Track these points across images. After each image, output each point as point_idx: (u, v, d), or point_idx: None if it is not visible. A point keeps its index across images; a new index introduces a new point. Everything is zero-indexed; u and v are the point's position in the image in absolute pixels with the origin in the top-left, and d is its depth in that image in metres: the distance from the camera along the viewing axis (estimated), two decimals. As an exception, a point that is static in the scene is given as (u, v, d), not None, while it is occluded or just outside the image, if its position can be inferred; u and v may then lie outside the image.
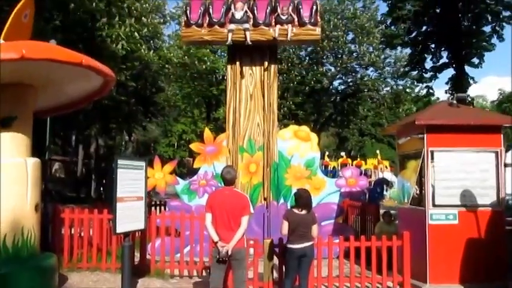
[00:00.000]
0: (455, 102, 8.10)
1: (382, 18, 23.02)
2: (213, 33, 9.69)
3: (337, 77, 38.00)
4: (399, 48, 25.89)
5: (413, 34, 21.38)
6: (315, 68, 36.49)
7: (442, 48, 21.10)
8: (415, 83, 28.82)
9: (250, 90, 10.37)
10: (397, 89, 39.10)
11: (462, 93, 19.82)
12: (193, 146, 10.78)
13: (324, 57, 37.07)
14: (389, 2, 20.83)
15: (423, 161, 7.63)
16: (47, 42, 6.84)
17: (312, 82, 35.62)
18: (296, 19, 9.59)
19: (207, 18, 9.65)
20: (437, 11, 20.86)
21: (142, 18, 23.20)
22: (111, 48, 18.57)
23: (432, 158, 7.60)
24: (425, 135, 7.56)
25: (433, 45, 21.26)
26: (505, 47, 56.77)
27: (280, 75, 31.25)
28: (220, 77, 33.68)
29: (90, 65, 6.20)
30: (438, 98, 35.21)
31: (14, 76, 6.33)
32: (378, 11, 34.26)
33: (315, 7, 9.56)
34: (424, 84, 23.02)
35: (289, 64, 35.63)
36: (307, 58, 37.78)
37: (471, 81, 20.98)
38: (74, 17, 17.45)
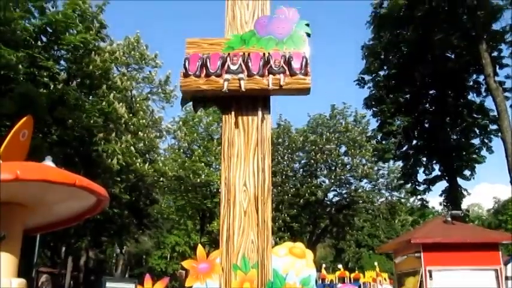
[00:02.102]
0: (449, 219, 8.08)
1: (373, 134, 23.62)
2: (210, 82, 9.95)
3: (332, 189, 38.16)
4: (391, 161, 26.28)
5: (404, 148, 21.83)
6: (309, 180, 36.77)
7: (434, 161, 21.45)
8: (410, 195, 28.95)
9: (244, 206, 10.31)
10: (392, 200, 39.16)
11: (456, 205, 19.88)
12: (186, 264, 10.48)
13: (318, 169, 37.51)
14: (379, 118, 21.49)
15: (422, 281, 7.44)
16: (41, 163, 6.89)
17: (307, 194, 35.70)
18: (287, 70, 9.97)
19: (205, 70, 10.04)
20: (426, 125, 21.49)
21: (139, 132, 23.75)
22: (107, 163, 18.81)
23: (431, 277, 7.43)
24: (421, 253, 7.45)
25: (424, 159, 21.64)
26: (495, 156, 57.78)
27: (274, 188, 31.38)
28: (215, 190, 33.77)
29: (84, 185, 6.18)
30: (433, 208, 35.30)
31: (6, 196, 6.29)
32: (369, 125, 35.24)
33: (305, 60, 9.99)
34: (419, 197, 23.09)
35: (284, 177, 35.94)
36: (301, 170, 38.21)
37: (465, 193, 21.11)
38: (71, 132, 17.83)
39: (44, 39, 17.94)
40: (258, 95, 10.17)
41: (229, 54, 10.11)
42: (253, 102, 10.42)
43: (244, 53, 10.09)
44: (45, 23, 17.30)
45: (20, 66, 15.64)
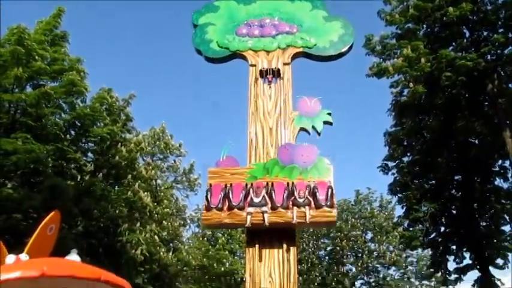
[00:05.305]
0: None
1: (399, 221, 23.18)
2: (233, 216, 9.60)
3: (359, 277, 37.15)
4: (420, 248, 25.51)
5: (432, 235, 21.23)
6: (336, 268, 35.95)
7: (464, 249, 20.74)
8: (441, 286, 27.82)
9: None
10: (422, 289, 37.81)
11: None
12: None
13: (344, 257, 36.74)
14: (405, 204, 21.17)
15: None
16: (67, 257, 6.93)
17: (333, 283, 34.81)
18: (312, 202, 9.60)
19: (227, 203, 9.73)
20: (454, 212, 21.04)
21: (163, 221, 23.86)
22: (131, 253, 18.82)
23: None
24: None
25: (454, 247, 20.93)
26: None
27: (299, 277, 30.68)
28: (239, 279, 33.13)
29: (109, 280, 6.19)
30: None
31: (31, 291, 6.29)
32: (394, 211, 34.79)
33: (330, 191, 9.60)
34: (450, 287, 22.15)
35: (309, 264, 35.22)
36: (327, 258, 37.43)
37: (498, 283, 20.21)
38: (96, 223, 18.00)
39: (73, 132, 18.61)
40: (282, 227, 9.82)
41: (252, 184, 9.84)
42: (277, 234, 10.05)
43: (267, 183, 9.82)
44: (74, 117, 18.01)
45: (49, 159, 16.13)
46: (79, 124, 18.42)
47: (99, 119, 18.86)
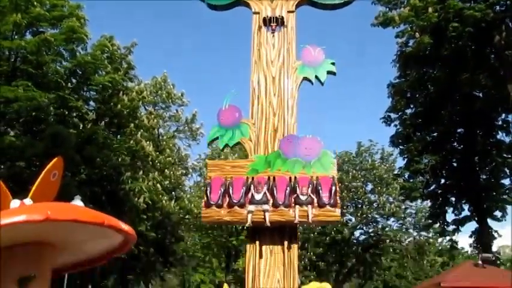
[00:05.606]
0: (480, 262, 7.88)
1: (400, 172, 23.25)
2: (233, 214, 9.45)
3: (358, 227, 37.65)
4: (419, 200, 25.72)
5: (432, 187, 21.38)
6: (335, 218, 36.40)
7: (463, 201, 20.94)
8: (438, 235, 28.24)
9: (270, 246, 10.15)
10: (420, 240, 38.32)
11: (487, 247, 19.28)
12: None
13: (344, 207, 37.09)
14: (406, 156, 21.22)
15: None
16: (71, 202, 7.01)
17: (333, 232, 35.27)
18: (315, 200, 9.34)
19: (227, 199, 9.49)
20: (455, 165, 21.10)
21: (166, 170, 24.00)
22: (134, 201, 19.03)
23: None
24: (452, 297, 7.26)
25: (453, 198, 21.13)
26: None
27: (300, 226, 31.14)
28: (240, 228, 33.58)
29: (112, 224, 6.21)
30: (463, 248, 34.39)
31: (36, 235, 6.37)
32: (395, 163, 34.87)
33: (333, 188, 9.32)
34: (448, 238, 22.48)
35: (309, 214, 35.64)
36: (327, 208, 37.82)
37: (495, 235, 20.50)
38: (99, 171, 18.13)
39: (74, 80, 18.50)
40: (283, 225, 9.52)
41: (253, 178, 9.46)
42: (279, 232, 9.77)
43: (269, 178, 9.43)
44: (75, 65, 17.86)
45: (51, 107, 16.11)
46: (80, 72, 18.29)
47: (100, 67, 18.70)
